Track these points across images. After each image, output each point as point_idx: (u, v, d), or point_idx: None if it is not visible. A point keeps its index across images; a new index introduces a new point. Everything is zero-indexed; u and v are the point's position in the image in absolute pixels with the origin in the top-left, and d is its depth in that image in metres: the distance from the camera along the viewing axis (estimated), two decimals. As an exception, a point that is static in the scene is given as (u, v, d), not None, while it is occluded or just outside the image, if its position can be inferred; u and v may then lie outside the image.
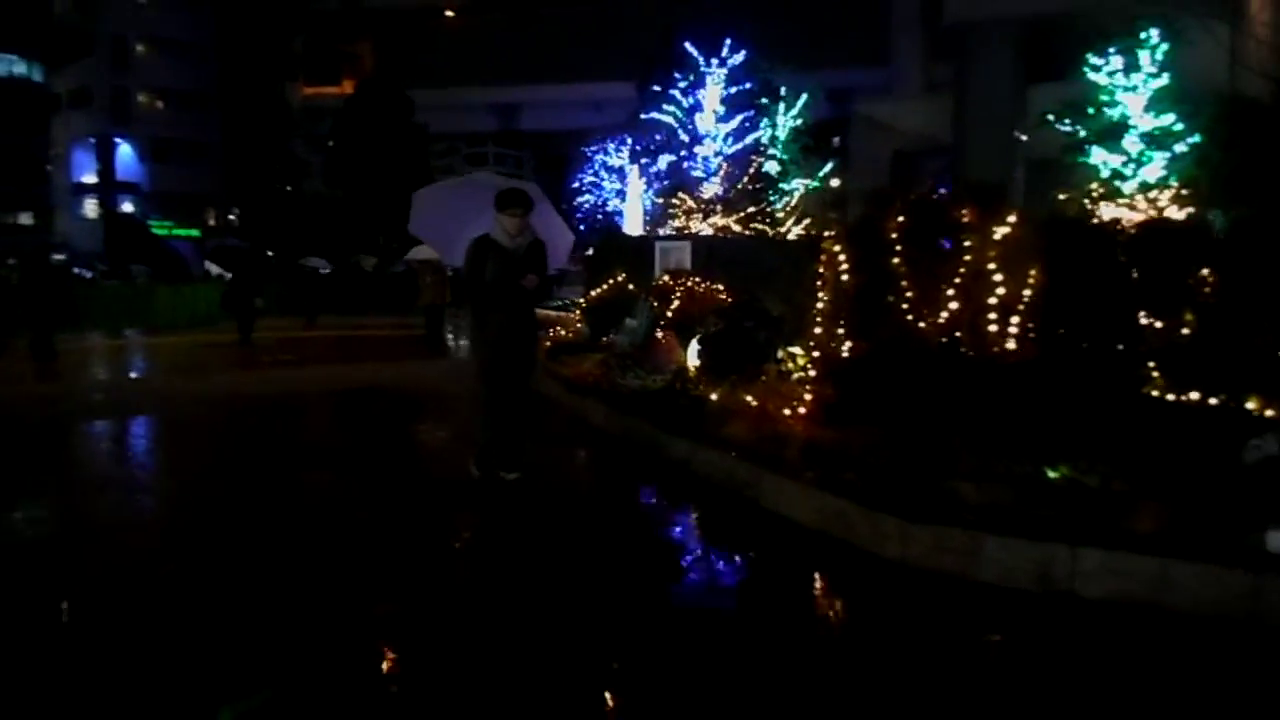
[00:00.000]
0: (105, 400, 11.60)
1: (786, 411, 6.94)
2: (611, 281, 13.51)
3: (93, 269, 38.96)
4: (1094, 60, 17.90)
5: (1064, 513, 4.65)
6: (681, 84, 30.29)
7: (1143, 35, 17.45)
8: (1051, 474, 5.22)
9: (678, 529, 5.86)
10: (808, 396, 7.26)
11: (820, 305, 7.98)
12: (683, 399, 7.64)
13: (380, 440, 8.97)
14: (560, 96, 61.75)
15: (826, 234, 8.46)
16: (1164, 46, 17.46)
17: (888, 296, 7.95)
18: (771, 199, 31.74)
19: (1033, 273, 7.74)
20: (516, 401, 6.44)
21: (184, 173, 54.16)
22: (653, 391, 8.27)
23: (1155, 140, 17.25)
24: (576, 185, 51.92)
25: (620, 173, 50.02)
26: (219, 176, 56.13)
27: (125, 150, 53.15)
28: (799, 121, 30.64)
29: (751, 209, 30.41)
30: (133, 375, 14.92)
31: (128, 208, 53.18)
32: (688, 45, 30.46)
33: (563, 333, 14.07)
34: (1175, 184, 17.04)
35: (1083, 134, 18.21)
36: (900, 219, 8.08)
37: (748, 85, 30.44)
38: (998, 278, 7.70)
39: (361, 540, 5.35)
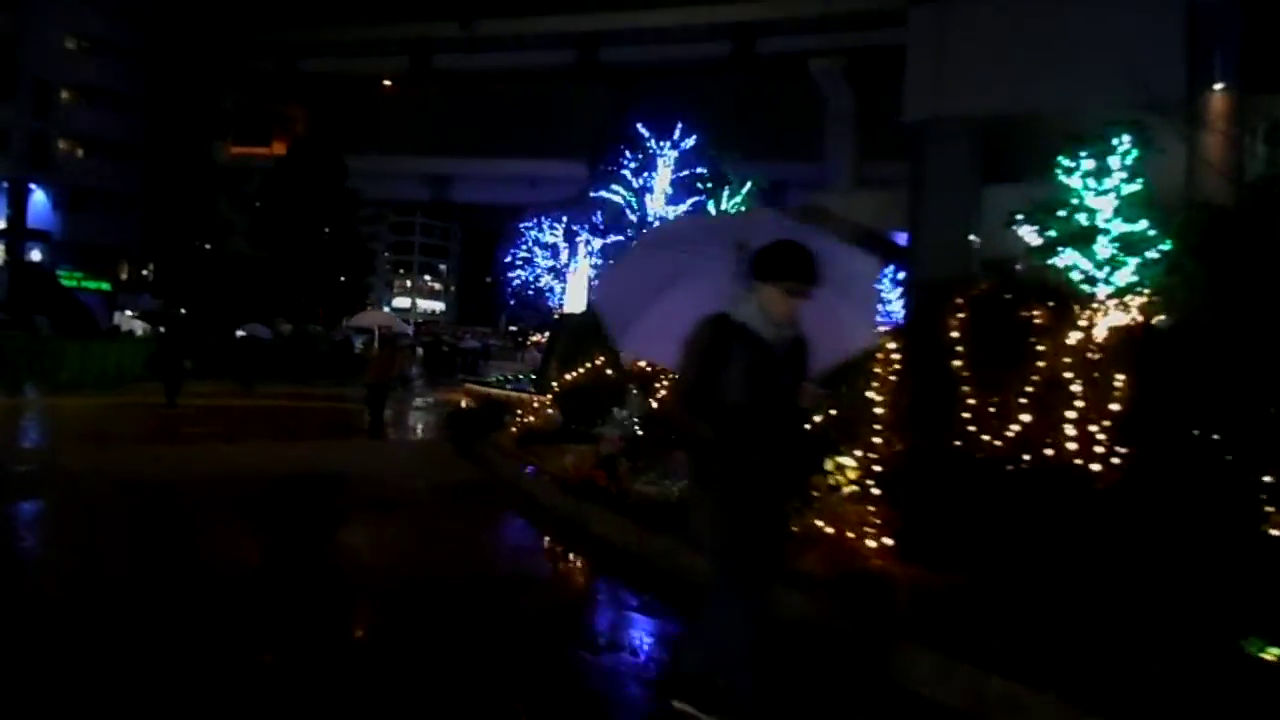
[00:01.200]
0: None
1: (871, 544, 5.72)
2: (589, 365, 12.23)
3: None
4: (1065, 162, 17.60)
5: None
6: (632, 164, 29.67)
7: (1114, 140, 17.20)
8: (1257, 653, 4.09)
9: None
10: (876, 521, 6.07)
11: (878, 411, 6.85)
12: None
13: (332, 562, 7.40)
14: (494, 170, 60.99)
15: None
16: (1134, 153, 17.23)
17: (950, 404, 6.89)
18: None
19: (1118, 383, 6.74)
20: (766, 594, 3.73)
21: (100, 223, 51.38)
22: (675, 504, 6.97)
23: (1128, 245, 16.88)
24: (509, 260, 50.71)
25: (554, 250, 49.12)
26: (136, 229, 53.46)
27: (39, 197, 50.25)
28: (744, 208, 30.26)
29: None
30: (28, 445, 12.96)
31: (36, 256, 50.09)
32: (639, 126, 29.94)
33: (529, 419, 12.69)
34: (1147, 290, 16.65)
35: (1052, 235, 17.78)
36: (961, 316, 7.04)
37: (699, 169, 29.98)
38: (1076, 388, 6.68)
39: None
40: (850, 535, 5.93)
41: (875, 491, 6.39)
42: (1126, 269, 16.82)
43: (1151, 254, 16.66)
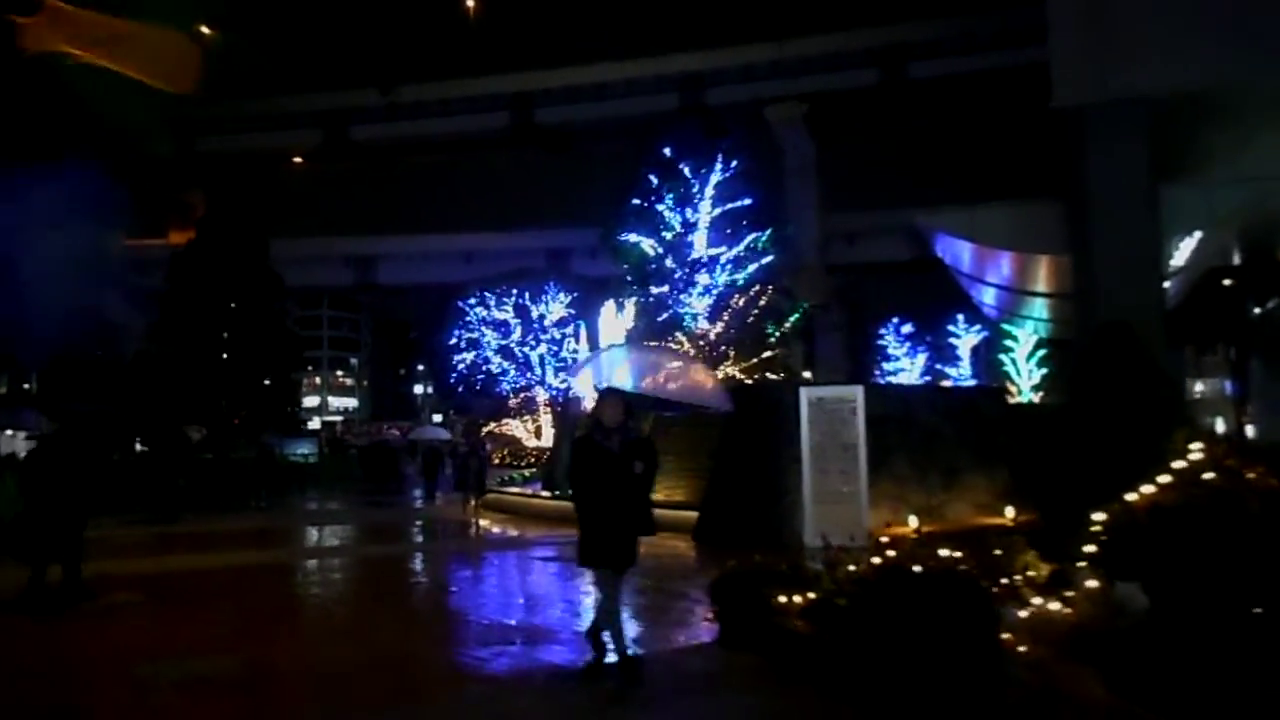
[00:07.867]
0: None
1: None
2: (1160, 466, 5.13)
3: None
4: None
5: None
6: (669, 199, 22.98)
7: None
8: None
9: None
10: None
11: None
12: None
13: None
14: (424, 247, 53.32)
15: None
16: None
17: None
18: (773, 340, 24.51)
19: None
20: None
21: (-32, 332, 41.66)
22: None
23: None
24: (453, 342, 42.88)
25: (504, 327, 41.88)
26: (12, 338, 43.76)
27: (-110, 305, 40.31)
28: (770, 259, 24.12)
29: (766, 354, 23.08)
30: None
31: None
32: (669, 153, 23.45)
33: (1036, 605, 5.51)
34: None
35: None
36: None
37: (746, 201, 23.51)
38: None
39: None
40: None
41: None
42: None
43: None
